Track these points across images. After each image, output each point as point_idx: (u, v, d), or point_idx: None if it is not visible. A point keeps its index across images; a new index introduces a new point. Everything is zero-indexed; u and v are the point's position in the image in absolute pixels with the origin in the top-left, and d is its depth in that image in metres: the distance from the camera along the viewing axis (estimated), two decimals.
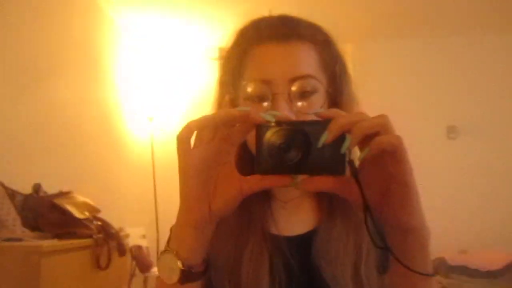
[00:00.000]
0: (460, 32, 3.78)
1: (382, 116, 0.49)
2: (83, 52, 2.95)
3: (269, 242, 0.71)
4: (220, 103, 0.75)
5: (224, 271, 0.70)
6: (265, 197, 0.75)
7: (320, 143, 0.48)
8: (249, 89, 0.67)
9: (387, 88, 3.89)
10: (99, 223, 1.95)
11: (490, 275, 3.43)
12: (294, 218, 0.75)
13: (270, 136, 0.51)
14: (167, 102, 3.78)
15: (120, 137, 3.42)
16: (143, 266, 3.20)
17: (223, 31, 3.62)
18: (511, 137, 3.68)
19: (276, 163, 0.50)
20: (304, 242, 0.72)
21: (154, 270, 3.27)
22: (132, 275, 3.13)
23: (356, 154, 0.52)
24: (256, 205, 0.73)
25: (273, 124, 0.51)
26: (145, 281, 3.33)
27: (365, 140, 0.48)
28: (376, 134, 0.48)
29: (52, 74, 2.48)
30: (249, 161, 0.66)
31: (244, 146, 0.71)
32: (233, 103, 0.72)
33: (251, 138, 0.63)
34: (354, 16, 3.48)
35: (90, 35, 3.06)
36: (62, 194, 1.91)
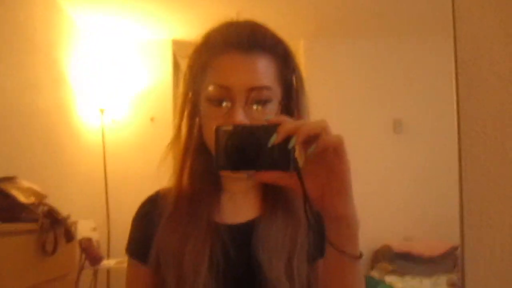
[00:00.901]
0: (407, 32, 3.95)
1: (322, 121, 0.58)
2: (38, 45, 2.88)
3: (212, 231, 0.76)
4: (184, 100, 0.81)
5: (169, 260, 0.75)
6: (215, 189, 0.81)
7: (270, 143, 0.56)
8: (211, 92, 0.73)
9: (337, 83, 4.02)
10: (46, 208, 1.91)
11: (432, 260, 3.62)
12: (239, 209, 0.82)
13: (227, 137, 0.58)
14: (119, 94, 3.73)
15: (71, 128, 3.34)
16: (93, 258, 3.15)
17: (176, 23, 3.63)
18: (454, 132, 3.88)
19: (232, 161, 0.58)
20: (245, 230, 0.78)
21: (105, 262, 3.22)
22: (82, 268, 3.07)
23: (300, 156, 0.60)
24: (206, 196, 0.79)
25: (230, 127, 0.59)
26: (95, 273, 3.28)
27: (308, 141, 0.56)
28: (317, 135, 0.56)
29: (7, 68, 2.41)
30: (208, 159, 0.76)
31: (204, 147, 0.78)
32: (195, 102, 0.79)
33: (210, 140, 0.72)
34: (306, 14, 3.56)
35: (45, 29, 2.98)
36: (6, 179, 1.86)
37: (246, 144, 0.58)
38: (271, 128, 0.57)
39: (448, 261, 3.66)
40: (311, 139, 0.57)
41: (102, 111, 3.64)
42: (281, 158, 0.57)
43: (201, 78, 0.77)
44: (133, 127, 3.79)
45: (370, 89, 4.04)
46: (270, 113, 0.73)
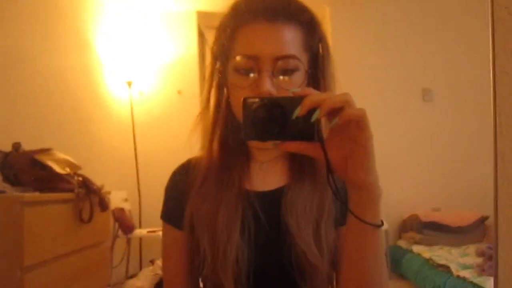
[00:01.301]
0: None
1: (346, 94, 0.59)
2: (69, 22, 2.92)
3: (243, 197, 0.80)
4: (212, 71, 0.83)
5: (203, 224, 0.79)
6: (245, 158, 0.84)
7: (294, 115, 0.59)
8: (238, 62, 0.74)
9: (364, 50, 3.94)
10: (80, 179, 1.98)
11: (460, 231, 3.59)
12: (268, 177, 0.85)
13: (254, 109, 0.60)
14: (146, 67, 3.77)
15: (100, 101, 3.41)
16: (126, 228, 3.26)
17: None
18: (484, 100, 3.78)
19: (259, 131, 0.60)
20: (274, 197, 0.81)
21: (137, 231, 3.33)
22: (115, 237, 3.19)
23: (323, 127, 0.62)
24: (236, 165, 0.83)
25: (257, 99, 0.61)
26: (128, 242, 3.40)
27: (332, 113, 0.58)
28: (341, 108, 0.58)
29: (35, 40, 2.46)
30: (236, 129, 0.79)
31: (233, 117, 0.80)
32: (223, 72, 0.81)
33: (238, 111, 0.75)
34: None
35: (71, 3, 3.02)
36: (42, 151, 1.92)
37: (272, 116, 0.60)
38: (297, 100, 0.59)
39: (477, 231, 3.62)
40: (335, 112, 0.58)
41: (129, 83, 3.69)
42: (306, 129, 0.59)
43: (228, 48, 0.78)
44: (160, 99, 3.83)
45: (398, 56, 3.95)
46: (296, 82, 0.74)
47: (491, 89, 0.36)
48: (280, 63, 0.72)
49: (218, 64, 0.83)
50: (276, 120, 0.60)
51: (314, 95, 0.59)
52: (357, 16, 3.96)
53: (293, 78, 0.74)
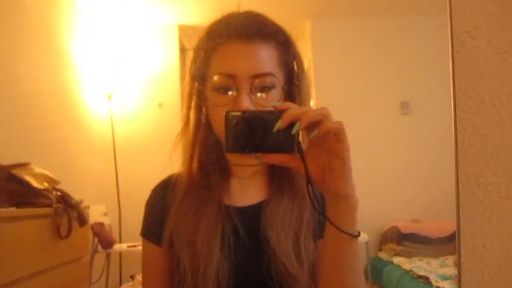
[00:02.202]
0: (414, 11, 3.92)
1: (323, 108, 0.62)
2: (41, 29, 2.89)
3: (223, 213, 0.81)
4: (191, 90, 0.86)
5: (183, 240, 0.80)
6: (224, 174, 0.86)
7: (275, 128, 0.61)
8: (216, 81, 0.77)
9: (344, 64, 4.00)
10: (59, 193, 1.95)
11: (439, 242, 3.64)
12: (248, 192, 0.87)
13: (236, 122, 0.63)
14: (126, 80, 3.75)
15: (79, 114, 3.37)
16: (106, 242, 3.21)
17: (182, 9, 3.63)
18: None
19: (241, 144, 0.62)
20: (254, 212, 0.83)
21: (117, 246, 3.28)
22: (95, 252, 3.14)
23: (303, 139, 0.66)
24: (216, 182, 0.84)
25: (239, 113, 0.63)
26: (108, 257, 3.34)
27: (310, 126, 0.61)
28: (319, 121, 0.61)
29: (10, 50, 2.43)
30: (212, 145, 0.82)
31: (212, 135, 0.83)
32: (201, 92, 0.83)
33: (217, 128, 0.79)
34: None
35: (48, 12, 2.99)
36: (19, 165, 1.89)
37: (253, 128, 0.62)
38: (277, 114, 0.61)
39: (455, 241, 3.68)
40: (313, 125, 0.61)
41: (109, 96, 3.67)
42: (286, 141, 0.61)
43: (206, 68, 0.80)
44: (141, 112, 3.81)
45: (377, 70, 4.02)
46: (274, 99, 0.76)
47: (452, 112, 0.38)
48: (257, 81, 0.75)
49: (196, 84, 0.84)
50: (257, 132, 0.62)
51: (293, 109, 0.61)
52: (337, 32, 4.03)
53: (270, 95, 0.76)
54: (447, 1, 0.37)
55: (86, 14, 3.56)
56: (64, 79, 3.18)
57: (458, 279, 0.39)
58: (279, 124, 0.60)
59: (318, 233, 0.81)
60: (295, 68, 0.82)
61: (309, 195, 0.64)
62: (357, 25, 4.03)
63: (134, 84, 3.79)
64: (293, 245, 0.79)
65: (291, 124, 0.60)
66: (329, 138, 0.62)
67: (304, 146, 0.65)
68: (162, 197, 0.87)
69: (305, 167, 0.63)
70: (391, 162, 3.97)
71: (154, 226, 0.86)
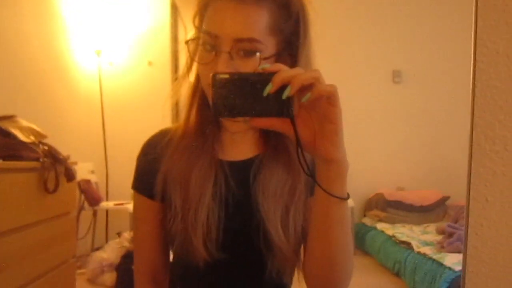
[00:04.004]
0: None
1: (315, 71, 0.59)
2: None
3: (215, 164, 0.81)
4: (189, 44, 0.82)
5: (176, 183, 0.80)
6: (216, 128, 0.85)
7: (265, 92, 0.58)
8: (203, 38, 0.75)
9: (337, 31, 3.95)
10: (46, 148, 1.92)
11: (422, 210, 3.72)
12: (239, 147, 0.86)
13: (224, 85, 0.60)
14: (116, 36, 3.66)
15: (67, 70, 3.29)
16: (92, 200, 3.22)
17: None
18: (450, 82, 3.88)
19: (229, 108, 0.60)
20: (245, 167, 0.83)
21: (103, 204, 3.29)
22: (81, 208, 3.14)
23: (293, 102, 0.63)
24: (209, 134, 0.83)
25: (227, 75, 0.60)
26: (94, 214, 3.35)
27: (302, 90, 0.59)
28: (311, 85, 0.58)
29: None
30: (207, 101, 0.79)
31: (203, 94, 0.81)
32: (196, 45, 0.80)
33: (204, 84, 0.76)
34: None
35: None
36: (5, 118, 1.85)
37: (242, 92, 0.60)
38: (267, 77, 0.59)
39: (438, 210, 3.77)
40: (305, 88, 0.59)
41: (98, 52, 3.58)
42: (276, 105, 0.60)
43: (200, 26, 0.78)
44: (130, 70, 3.74)
45: (370, 38, 3.99)
46: (255, 66, 0.72)
47: (472, 58, 0.37)
48: (239, 44, 0.72)
49: (193, 35, 0.82)
50: (246, 96, 0.59)
51: (284, 72, 0.59)
52: None
53: (252, 60, 0.73)
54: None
55: None
56: (52, 33, 3.09)
57: (465, 233, 0.39)
58: (269, 88, 0.58)
59: (307, 193, 0.81)
60: (295, 34, 0.78)
61: (298, 159, 0.64)
62: None
63: (124, 41, 3.70)
64: (282, 217, 0.78)
65: (282, 87, 0.58)
66: (321, 102, 0.60)
67: (294, 109, 0.62)
68: (155, 149, 0.86)
69: (296, 131, 0.62)
70: (380, 130, 4.00)
71: (146, 179, 0.85)
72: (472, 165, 0.38)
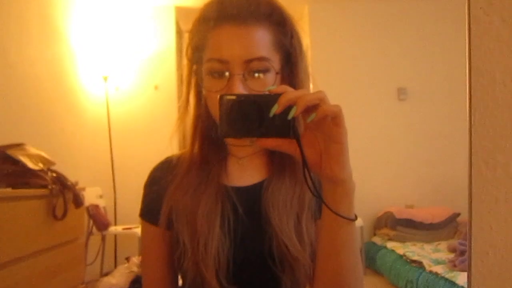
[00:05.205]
0: None
1: (320, 92, 0.60)
2: (38, 10, 2.84)
3: (222, 192, 0.81)
4: (189, 74, 0.85)
5: (182, 218, 0.80)
6: (222, 154, 0.86)
7: (271, 113, 0.59)
8: (210, 67, 0.76)
9: (342, 49, 3.98)
10: (54, 174, 1.94)
11: (432, 227, 3.68)
12: (246, 173, 0.86)
13: (231, 106, 0.61)
14: (122, 61, 3.71)
15: (74, 96, 3.34)
16: (101, 224, 3.22)
17: None
18: (455, 99, 3.87)
19: (235, 128, 0.61)
20: (253, 192, 0.83)
21: (112, 228, 3.29)
22: (90, 234, 3.14)
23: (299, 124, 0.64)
24: (214, 162, 0.84)
25: (233, 96, 0.61)
26: (103, 239, 3.35)
27: (307, 110, 0.59)
28: (316, 105, 0.59)
29: (6, 31, 2.39)
30: (211, 127, 0.81)
31: (209, 116, 0.81)
32: (199, 74, 0.82)
33: (214, 112, 0.77)
34: None
35: None
36: (14, 146, 1.87)
37: (248, 113, 0.61)
38: (273, 98, 0.60)
39: (449, 227, 3.72)
40: (310, 109, 0.60)
41: (105, 78, 3.64)
42: (282, 126, 0.60)
43: (201, 52, 0.79)
44: (137, 95, 3.78)
45: (375, 56, 4.01)
46: (268, 83, 0.74)
47: (467, 88, 0.37)
48: (250, 65, 0.73)
49: (194, 67, 0.84)
50: (253, 117, 0.60)
51: (289, 93, 0.60)
52: (335, 16, 3.99)
53: (264, 79, 0.75)
54: None
55: None
56: (60, 60, 3.14)
57: (468, 260, 0.39)
58: (275, 109, 0.59)
59: (317, 214, 0.81)
60: (293, 49, 0.80)
61: (305, 180, 0.64)
62: (355, 9, 4.00)
63: (130, 66, 3.76)
64: (295, 226, 0.78)
65: (287, 108, 0.59)
66: (327, 122, 0.61)
67: (300, 130, 0.64)
68: (161, 178, 0.87)
69: (302, 152, 0.62)
70: (386, 148, 3.99)
71: (153, 207, 0.85)
72: (473, 192, 0.38)
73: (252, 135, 0.62)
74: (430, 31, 4.00)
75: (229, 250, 0.78)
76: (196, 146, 0.85)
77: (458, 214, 3.73)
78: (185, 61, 0.86)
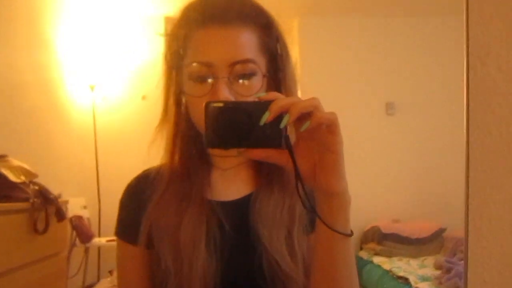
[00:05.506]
0: (401, 13, 3.93)
1: (314, 99, 0.57)
2: (25, 18, 2.80)
3: (207, 207, 0.76)
4: (168, 79, 0.79)
5: (164, 237, 0.74)
6: (205, 166, 0.80)
7: (262, 121, 0.55)
8: (192, 70, 0.71)
9: (330, 63, 3.99)
10: (36, 187, 1.90)
11: (419, 242, 3.68)
12: (232, 186, 0.81)
13: (218, 114, 0.57)
14: (110, 71, 3.67)
15: (61, 105, 3.29)
16: (84, 236, 3.15)
17: (166, 1, 3.56)
18: (443, 113, 3.91)
19: (223, 138, 0.57)
20: (240, 206, 0.78)
21: (96, 240, 3.23)
22: (73, 245, 3.08)
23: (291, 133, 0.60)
24: (197, 174, 0.78)
25: (221, 104, 0.57)
26: (86, 251, 3.28)
27: (300, 118, 0.56)
28: (310, 113, 0.56)
29: None
30: (193, 136, 0.76)
31: (193, 126, 0.76)
32: (179, 81, 0.77)
33: (197, 120, 0.72)
34: None
35: (31, 2, 2.90)
36: None
37: (237, 121, 0.56)
38: (263, 105, 0.56)
39: (435, 242, 3.73)
40: (303, 117, 0.56)
41: (92, 87, 3.59)
42: (273, 135, 0.56)
43: (182, 56, 0.75)
44: (124, 105, 3.74)
45: (364, 70, 4.03)
46: (255, 87, 0.71)
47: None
48: (236, 68, 0.69)
49: (174, 73, 0.79)
50: (241, 126, 0.56)
51: (281, 100, 0.56)
52: (324, 30, 4.01)
53: (251, 83, 0.71)
54: (464, 26, 0.35)
55: (71, 4, 3.47)
56: (46, 67, 3.09)
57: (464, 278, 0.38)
58: (266, 117, 0.55)
59: (309, 228, 0.77)
60: (279, 52, 0.76)
61: (298, 193, 0.60)
62: (345, 23, 4.02)
63: (118, 76, 3.72)
64: (286, 241, 0.74)
65: (278, 117, 0.56)
66: (321, 131, 0.57)
67: (291, 139, 0.60)
68: (138, 193, 0.81)
69: (294, 163, 0.59)
70: (374, 162, 3.99)
71: (130, 225, 0.80)
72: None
73: (241, 146, 0.58)
74: (417, 46, 4.04)
75: (216, 270, 0.73)
76: (176, 158, 0.79)
77: (444, 229, 3.74)
78: (164, 67, 0.80)
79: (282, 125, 0.56)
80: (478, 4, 0.37)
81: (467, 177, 0.38)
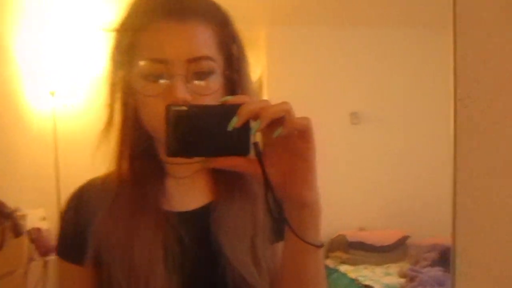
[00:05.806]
0: (366, 23, 3.99)
1: (285, 103, 0.54)
2: None
3: (163, 219, 0.70)
4: (113, 80, 0.72)
5: (115, 254, 0.68)
6: (158, 174, 0.74)
7: (230, 127, 0.51)
8: (145, 68, 0.66)
9: (297, 73, 4.02)
10: None
11: (383, 249, 3.74)
12: (189, 195, 0.75)
13: (181, 119, 0.52)
14: (71, 76, 3.56)
15: (19, 112, 3.15)
16: (43, 249, 3.02)
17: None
18: (409, 124, 3.99)
19: (186, 146, 0.52)
20: (199, 217, 0.73)
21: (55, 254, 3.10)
22: (31, 259, 2.94)
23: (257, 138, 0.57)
24: (150, 183, 0.72)
25: (183, 107, 0.53)
26: (45, 265, 3.14)
27: (271, 124, 0.52)
28: (281, 118, 0.52)
29: None
30: (143, 141, 0.71)
31: (142, 130, 0.70)
32: (127, 81, 0.70)
33: (149, 122, 0.67)
34: (267, 1, 3.51)
35: None
36: None
37: (202, 127, 0.53)
38: (231, 110, 0.52)
39: (399, 250, 3.80)
40: (274, 122, 0.53)
41: (53, 93, 3.47)
42: (240, 142, 0.53)
43: (131, 53, 0.68)
44: (86, 112, 3.62)
45: (329, 80, 4.07)
46: (213, 86, 0.67)
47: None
48: (193, 65, 0.65)
49: (120, 73, 0.72)
50: (207, 132, 0.53)
51: (250, 104, 0.53)
52: (291, 40, 4.03)
53: (209, 82, 0.66)
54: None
55: (31, 10, 3.34)
56: (3, 72, 2.96)
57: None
58: (235, 122, 0.52)
59: (273, 238, 0.73)
60: (235, 51, 0.72)
61: (268, 203, 0.57)
62: (311, 34, 4.05)
63: (79, 82, 3.60)
64: (250, 252, 0.70)
65: (247, 122, 0.52)
66: (292, 137, 0.55)
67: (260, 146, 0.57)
68: (82, 205, 0.74)
69: (264, 172, 0.55)
70: (339, 171, 4.03)
71: (73, 243, 0.72)
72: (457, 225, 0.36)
73: (206, 154, 0.54)
74: (382, 57, 4.12)
75: (177, 287, 0.67)
76: (125, 165, 0.73)
77: (408, 237, 3.82)
78: (108, 66, 0.74)
79: (252, 132, 0.53)
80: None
81: (454, 195, 0.37)
